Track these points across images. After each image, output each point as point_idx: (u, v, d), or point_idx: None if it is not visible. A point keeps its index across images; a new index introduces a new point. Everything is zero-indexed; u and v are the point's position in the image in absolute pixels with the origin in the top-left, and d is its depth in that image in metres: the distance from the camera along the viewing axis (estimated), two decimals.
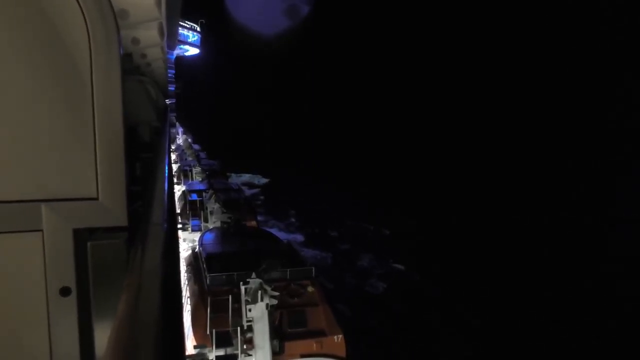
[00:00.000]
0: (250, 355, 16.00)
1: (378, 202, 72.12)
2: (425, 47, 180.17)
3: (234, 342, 16.15)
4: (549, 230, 57.27)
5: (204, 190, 34.15)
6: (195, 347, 16.01)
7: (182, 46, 60.39)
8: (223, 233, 26.65)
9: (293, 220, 66.60)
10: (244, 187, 77.00)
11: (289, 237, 47.89)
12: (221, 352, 16.03)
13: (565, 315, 36.79)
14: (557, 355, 32.50)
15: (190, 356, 15.14)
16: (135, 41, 7.96)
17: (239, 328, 16.08)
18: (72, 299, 2.00)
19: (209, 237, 25.98)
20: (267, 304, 15.82)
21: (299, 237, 56.49)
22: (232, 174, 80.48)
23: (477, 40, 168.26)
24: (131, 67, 9.02)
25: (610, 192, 72.75)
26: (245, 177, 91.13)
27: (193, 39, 64.01)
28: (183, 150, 57.88)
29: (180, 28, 52.34)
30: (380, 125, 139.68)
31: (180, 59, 64.83)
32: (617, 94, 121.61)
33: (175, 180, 37.95)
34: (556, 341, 33.55)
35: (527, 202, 69.16)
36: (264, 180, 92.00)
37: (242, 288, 16.22)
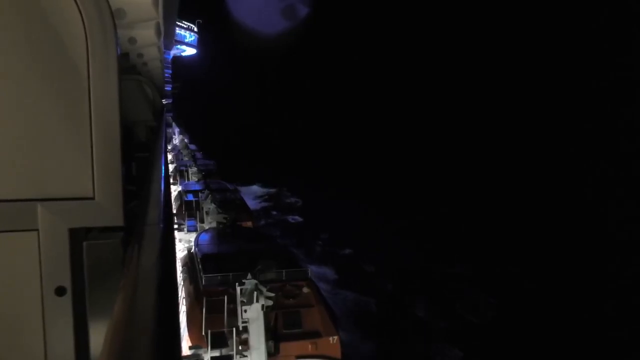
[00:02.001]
0: (246, 356, 15.98)
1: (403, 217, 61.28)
2: (426, 47, 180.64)
3: (229, 342, 16.14)
4: (550, 230, 57.30)
5: (200, 191, 34.12)
6: (190, 347, 15.99)
7: (179, 46, 60.33)
8: (219, 234, 26.64)
9: (316, 246, 53.18)
10: (256, 201, 69.68)
11: (317, 271, 37.00)
12: (216, 353, 16.03)
13: (566, 315, 36.95)
14: (557, 355, 32.67)
15: (185, 357, 15.10)
16: (132, 41, 7.94)
17: (234, 329, 16.07)
18: (68, 298, 1.99)
19: (205, 237, 25.96)
20: (262, 305, 15.80)
21: (329, 273, 44.25)
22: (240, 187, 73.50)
23: (475, 41, 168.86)
24: (128, 66, 9.01)
25: (611, 192, 72.81)
26: (254, 188, 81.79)
27: (190, 39, 63.96)
28: (179, 150, 57.79)
29: (177, 28, 52.32)
30: (383, 128, 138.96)
31: (178, 59, 64.78)
32: (617, 93, 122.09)
33: (171, 180, 37.83)
34: (556, 341, 33.68)
35: (528, 203, 69.12)
36: (271, 190, 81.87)
37: (238, 289, 16.20)
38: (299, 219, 66.20)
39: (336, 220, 60.35)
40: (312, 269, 29.77)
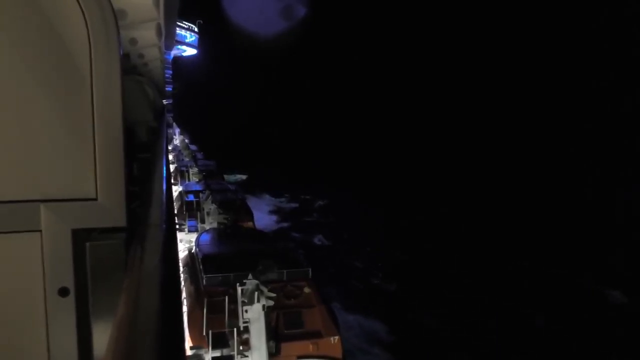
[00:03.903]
0: (247, 356, 15.98)
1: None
2: (427, 47, 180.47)
3: (230, 343, 16.14)
4: (550, 230, 57.20)
5: (201, 191, 34.13)
6: (191, 348, 15.98)
7: (179, 46, 60.36)
8: (219, 234, 26.64)
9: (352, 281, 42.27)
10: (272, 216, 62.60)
11: (366, 325, 31.98)
12: (217, 353, 16.04)
13: (566, 315, 37.03)
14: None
15: (186, 357, 15.08)
16: (133, 41, 7.94)
17: (235, 329, 16.07)
18: (71, 299, 1.99)
19: (206, 238, 25.95)
20: (263, 305, 15.81)
21: (379, 327, 33.73)
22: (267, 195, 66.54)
23: (475, 41, 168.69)
24: (129, 67, 9.01)
25: (611, 192, 72.70)
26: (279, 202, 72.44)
27: (191, 40, 64.00)
28: (180, 150, 57.75)
29: (177, 28, 52.31)
30: (383, 128, 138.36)
31: (178, 60, 64.85)
32: (617, 93, 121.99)
33: (172, 181, 37.73)
34: (554, 340, 33.74)
35: (529, 203, 68.94)
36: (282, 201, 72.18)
37: (239, 289, 16.20)
38: (325, 240, 54.88)
39: (356, 234, 54.75)
40: (359, 322, 26.36)
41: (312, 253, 43.69)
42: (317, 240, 55.36)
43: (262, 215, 54.65)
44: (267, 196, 73.59)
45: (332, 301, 31.45)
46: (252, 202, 47.94)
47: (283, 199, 74.01)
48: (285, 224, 62.14)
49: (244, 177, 76.17)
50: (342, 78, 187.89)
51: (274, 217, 64.08)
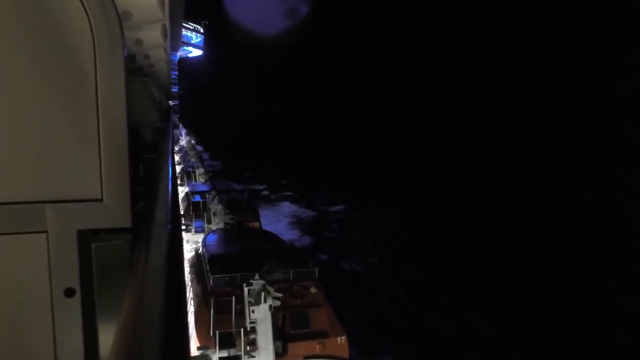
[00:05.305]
0: (254, 356, 15.99)
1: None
2: (427, 47, 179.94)
3: (237, 343, 16.15)
4: (550, 230, 56.89)
5: (207, 192, 34.21)
6: (198, 348, 16.02)
7: (185, 48, 60.50)
8: (226, 234, 26.67)
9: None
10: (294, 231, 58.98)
11: None
12: (224, 354, 16.05)
13: (566, 316, 36.78)
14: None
15: (193, 357, 15.12)
16: (139, 42, 7.95)
17: (242, 329, 16.08)
18: (77, 300, 2.00)
19: (212, 238, 26.00)
20: (270, 305, 15.80)
21: None
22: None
23: (475, 41, 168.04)
24: (134, 68, 9.03)
25: (611, 192, 72.19)
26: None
27: (196, 41, 64.11)
28: (186, 151, 57.93)
29: (183, 29, 52.44)
30: (383, 128, 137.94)
31: (184, 61, 64.96)
32: (617, 93, 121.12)
33: (178, 181, 37.88)
34: (553, 341, 33.55)
35: (529, 203, 68.54)
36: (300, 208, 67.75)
37: (245, 289, 16.21)
38: (357, 267, 47.27)
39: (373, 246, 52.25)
40: None
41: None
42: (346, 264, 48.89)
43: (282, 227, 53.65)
44: (285, 203, 72.12)
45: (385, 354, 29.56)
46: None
47: (296, 206, 71.94)
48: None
49: (261, 187, 75.64)
50: (342, 78, 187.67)
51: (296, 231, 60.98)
